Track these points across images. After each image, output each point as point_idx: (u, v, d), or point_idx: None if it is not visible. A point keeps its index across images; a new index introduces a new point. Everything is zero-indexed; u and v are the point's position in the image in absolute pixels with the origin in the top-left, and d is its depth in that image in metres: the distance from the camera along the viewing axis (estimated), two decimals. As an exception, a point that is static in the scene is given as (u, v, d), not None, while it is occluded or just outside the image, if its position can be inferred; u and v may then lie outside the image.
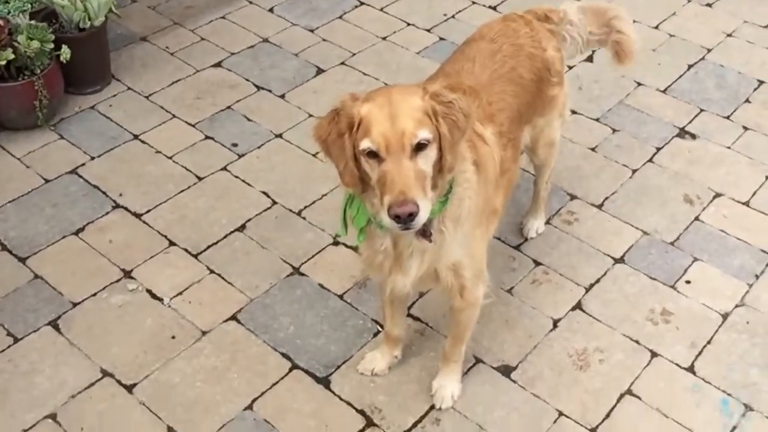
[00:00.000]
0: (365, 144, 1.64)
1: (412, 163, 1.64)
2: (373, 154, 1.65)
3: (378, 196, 1.67)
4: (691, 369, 2.32)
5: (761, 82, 3.41)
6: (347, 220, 1.90)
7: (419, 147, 1.64)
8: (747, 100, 3.32)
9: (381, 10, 3.83)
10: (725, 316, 2.46)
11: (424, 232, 1.80)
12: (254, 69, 3.45)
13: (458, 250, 1.91)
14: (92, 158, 2.98)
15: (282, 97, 3.31)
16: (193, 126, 3.14)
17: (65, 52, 2.96)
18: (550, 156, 2.51)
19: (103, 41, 3.21)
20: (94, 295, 2.49)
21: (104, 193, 2.84)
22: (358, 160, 1.69)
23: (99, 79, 3.25)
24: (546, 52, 2.26)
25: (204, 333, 2.39)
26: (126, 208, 2.78)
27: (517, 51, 2.21)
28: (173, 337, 2.38)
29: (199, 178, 2.91)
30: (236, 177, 2.93)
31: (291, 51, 3.57)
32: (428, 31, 3.71)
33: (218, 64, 3.47)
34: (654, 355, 2.35)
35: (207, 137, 3.10)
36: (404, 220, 1.61)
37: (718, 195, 2.88)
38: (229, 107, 3.25)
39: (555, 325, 2.44)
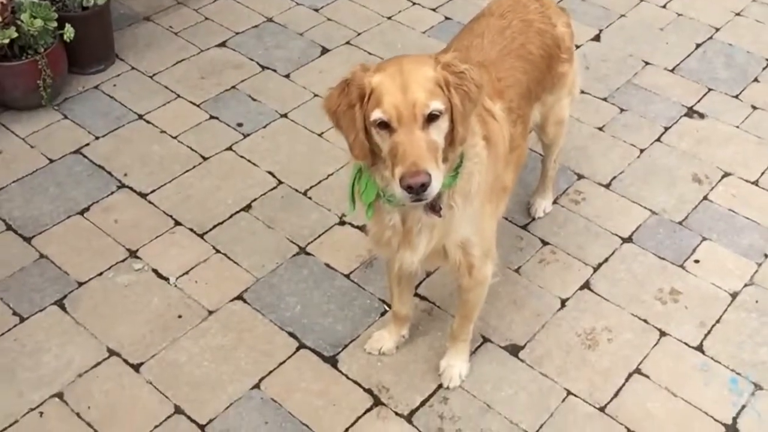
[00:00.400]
0: (376, 114, 1.62)
1: (424, 133, 1.62)
2: (384, 125, 1.63)
3: (389, 167, 1.65)
4: (699, 348, 2.31)
5: (770, 61, 3.38)
6: (355, 196, 1.88)
7: (431, 118, 1.63)
8: (756, 80, 3.29)
9: (386, -11, 3.80)
10: (734, 296, 2.45)
11: (434, 207, 1.78)
12: (259, 49, 3.43)
13: (467, 227, 1.90)
14: (96, 138, 2.96)
15: (287, 77, 3.29)
16: (198, 106, 3.12)
17: (69, 31, 2.94)
18: (559, 134, 2.49)
19: (107, 20, 3.18)
20: (100, 274, 2.48)
21: (109, 173, 2.82)
22: (368, 131, 1.67)
23: (103, 58, 3.23)
24: (556, 28, 2.24)
25: (210, 312, 2.38)
26: (131, 188, 2.77)
27: (526, 27, 2.19)
28: (180, 317, 2.37)
29: (204, 158, 2.90)
30: (241, 157, 2.91)
31: (296, 31, 3.54)
32: (434, 10, 3.68)
33: (223, 44, 3.44)
34: (663, 334, 2.34)
35: (212, 117, 3.08)
36: (416, 190, 1.59)
37: (726, 174, 2.86)
38: (233, 87, 3.22)
39: (563, 305, 2.43)
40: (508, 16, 2.20)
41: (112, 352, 2.27)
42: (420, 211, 1.81)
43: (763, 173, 2.86)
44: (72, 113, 3.06)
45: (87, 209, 2.69)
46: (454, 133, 1.68)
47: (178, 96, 3.16)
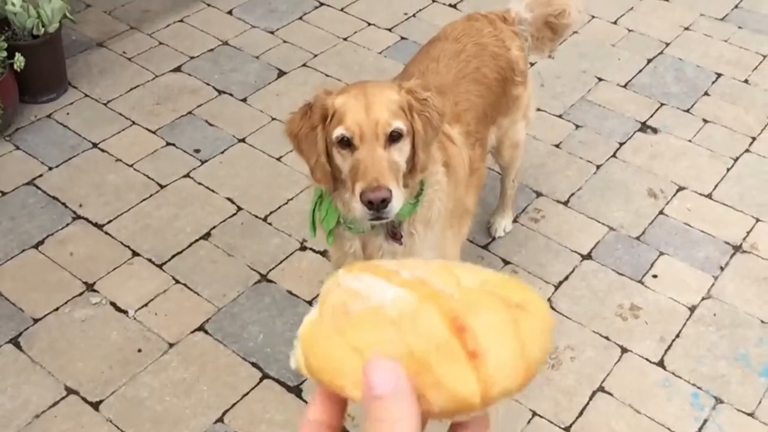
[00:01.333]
0: (338, 132, 1.63)
1: (386, 152, 1.62)
2: (346, 143, 1.64)
3: (349, 188, 1.65)
4: (661, 363, 2.34)
5: (719, 75, 3.45)
6: (316, 222, 1.87)
7: (393, 138, 1.64)
8: (706, 93, 3.36)
9: (341, 10, 3.81)
10: (692, 309, 2.49)
11: (394, 234, 1.78)
12: (215, 73, 3.40)
13: (429, 253, 1.90)
14: (50, 168, 2.90)
15: (244, 100, 3.27)
16: (154, 133, 3.09)
17: (19, 60, 2.89)
18: (515, 157, 2.51)
19: (59, 48, 3.13)
20: (56, 309, 2.43)
21: (64, 204, 2.77)
22: (330, 154, 1.67)
23: (55, 86, 3.17)
24: (510, 52, 2.26)
25: (171, 345, 2.35)
26: (87, 219, 2.72)
27: (481, 50, 2.21)
28: (139, 351, 2.33)
29: (162, 186, 2.86)
30: (200, 184, 2.88)
31: (251, 54, 3.52)
32: (389, 30, 3.70)
33: (178, 69, 3.41)
34: (624, 350, 2.37)
35: (168, 144, 3.04)
36: (377, 206, 1.58)
37: (681, 188, 2.91)
38: (190, 112, 3.19)
39: (525, 324, 2.44)
40: (462, 40, 2.21)
41: (70, 390, 2.22)
42: (381, 239, 1.80)
43: (716, 186, 2.92)
44: (24, 144, 3.00)
45: (41, 242, 2.64)
46: (415, 160, 1.69)
47: (134, 123, 3.13)
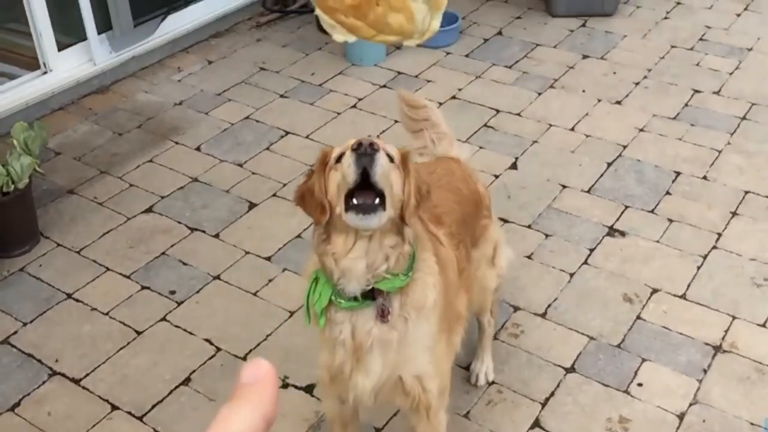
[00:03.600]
0: (336, 152, 1.71)
1: None
2: (341, 159, 1.70)
3: (340, 204, 1.69)
4: (656, 477, 2.31)
5: (678, 173, 3.55)
6: (310, 308, 1.87)
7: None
8: (668, 192, 3.45)
9: (307, 137, 3.90)
10: (681, 417, 2.47)
11: (383, 312, 1.78)
12: (186, 210, 3.44)
13: (424, 354, 1.89)
14: (24, 324, 2.87)
15: (216, 236, 3.30)
16: (128, 277, 3.08)
17: (-11, 219, 2.91)
18: (486, 302, 2.50)
19: (29, 201, 3.16)
20: (36, 475, 2.36)
21: (39, 360, 2.73)
22: (328, 193, 1.74)
23: (27, 239, 3.18)
24: (477, 185, 2.36)
25: (156, 503, 2.28)
26: (64, 375, 2.68)
27: (450, 174, 2.30)
28: None
29: (138, 333, 2.84)
30: (177, 327, 2.86)
31: (221, 188, 3.57)
32: (355, 153, 3.78)
33: (149, 210, 3.44)
34: (618, 466, 2.34)
35: (143, 287, 3.04)
36: (365, 149, 1.62)
37: (655, 291, 2.95)
38: (163, 253, 3.20)
39: (516, 447, 2.41)
40: (432, 167, 2.30)
41: None
42: (371, 323, 1.80)
43: (689, 286, 2.96)
44: (-3, 301, 2.98)
45: (18, 404, 2.58)
46: (403, 210, 1.74)
47: (108, 269, 3.12)
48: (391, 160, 1.72)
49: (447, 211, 2.14)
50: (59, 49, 4.05)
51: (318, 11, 1.05)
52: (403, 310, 1.82)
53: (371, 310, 1.81)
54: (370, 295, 1.80)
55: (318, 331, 1.92)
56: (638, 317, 2.84)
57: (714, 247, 3.14)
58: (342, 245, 1.73)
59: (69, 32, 4.11)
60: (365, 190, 1.68)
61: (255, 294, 2.99)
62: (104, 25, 4.17)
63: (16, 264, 3.14)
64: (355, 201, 1.67)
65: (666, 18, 4.94)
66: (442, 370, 1.98)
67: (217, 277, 3.08)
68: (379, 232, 1.73)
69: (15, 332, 2.85)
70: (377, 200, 1.67)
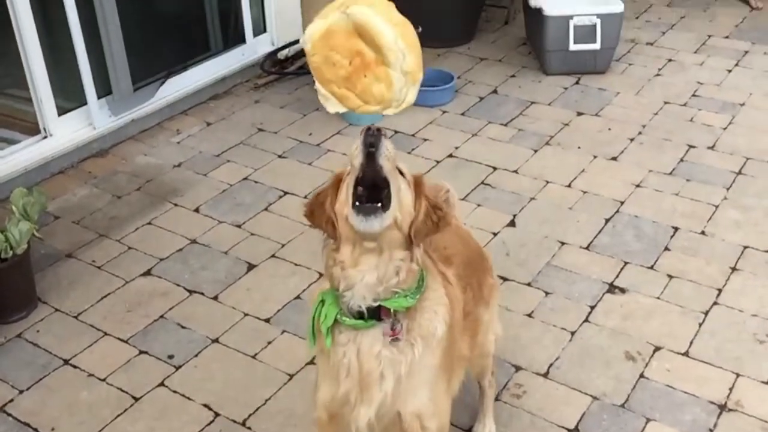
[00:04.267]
0: (348, 169, 1.73)
1: None
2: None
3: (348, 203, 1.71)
4: None
5: (676, 229, 3.56)
6: (315, 329, 1.87)
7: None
8: (666, 248, 3.45)
9: (305, 197, 3.91)
10: (688, 479, 2.43)
11: (393, 329, 1.78)
12: (184, 273, 3.43)
13: (425, 389, 1.86)
14: (21, 392, 2.84)
15: (215, 298, 3.28)
16: (126, 342, 3.06)
17: (-13, 285, 2.89)
18: (486, 367, 2.49)
19: (27, 267, 3.15)
20: None
21: (36, 429, 2.68)
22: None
23: (24, 304, 3.16)
24: (479, 245, 2.38)
25: None
26: (59, 444, 2.64)
27: (457, 229, 2.31)
28: None
29: (136, 399, 2.80)
30: (175, 392, 2.83)
31: (220, 249, 3.57)
32: (354, 213, 3.79)
33: (148, 272, 3.43)
34: None
35: (141, 352, 3.01)
36: (373, 131, 1.64)
37: (657, 348, 2.92)
38: (161, 316, 3.18)
39: None
40: None
41: None
42: (378, 345, 1.79)
43: (691, 343, 2.94)
44: (-6, 368, 2.95)
45: (13, 476, 2.53)
46: (411, 227, 1.74)
47: (105, 334, 3.10)
48: (401, 173, 1.75)
49: (455, 253, 2.15)
50: (59, 114, 4.09)
51: (317, 84, 1.27)
52: (410, 335, 1.80)
53: (376, 331, 1.79)
54: (376, 314, 1.78)
55: (318, 364, 1.92)
56: (641, 375, 2.81)
57: (715, 303, 3.12)
58: (350, 255, 1.73)
59: (69, 97, 4.16)
60: (372, 193, 1.70)
61: (254, 357, 2.96)
62: (104, 89, 4.23)
63: (13, 330, 3.11)
64: (359, 192, 1.69)
65: (658, 75, 5.02)
66: (441, 409, 1.94)
67: (216, 340, 3.06)
68: (387, 245, 1.72)
69: (11, 400, 2.81)
70: (380, 204, 1.68)
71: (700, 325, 3.02)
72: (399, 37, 1.19)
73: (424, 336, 1.82)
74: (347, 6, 1.21)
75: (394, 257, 1.74)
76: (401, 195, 1.73)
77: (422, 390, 1.87)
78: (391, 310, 1.77)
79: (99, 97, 4.20)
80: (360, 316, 1.78)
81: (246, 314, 3.17)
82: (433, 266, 1.92)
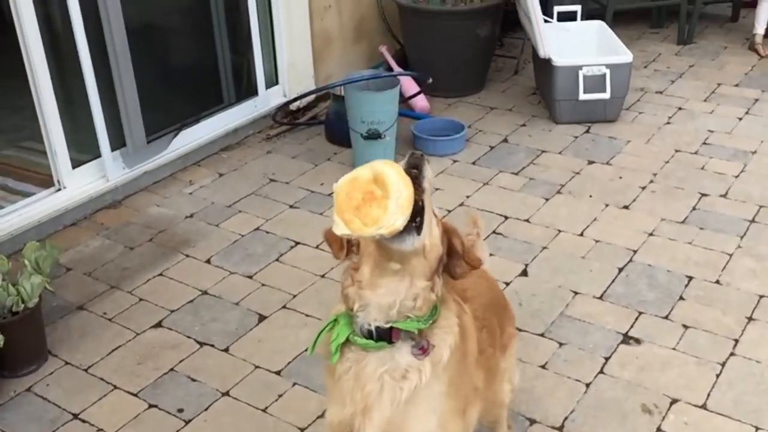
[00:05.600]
0: None
1: None
2: None
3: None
4: None
5: (690, 278, 3.53)
6: (318, 342, 1.86)
7: None
8: (681, 298, 3.41)
9: (316, 247, 3.91)
10: None
11: (422, 348, 1.79)
12: (195, 324, 3.41)
13: (432, 418, 1.82)
14: (29, 447, 2.82)
15: (226, 350, 3.26)
16: (136, 395, 3.03)
17: (-1, 339, 2.89)
18: (501, 416, 2.47)
19: (38, 320, 3.15)
20: None
21: (43, 486, 2.66)
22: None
23: (35, 358, 3.15)
24: (503, 294, 2.43)
25: None
26: (67, 501, 2.60)
27: (483, 272, 2.32)
28: None
29: (145, 454, 2.77)
30: (184, 447, 2.80)
31: (231, 300, 3.56)
32: (365, 263, 3.78)
33: (158, 324, 3.42)
34: None
35: (151, 406, 2.98)
36: (418, 156, 1.69)
37: (674, 401, 2.87)
38: (172, 369, 3.16)
39: None
40: None
41: None
42: (381, 368, 1.78)
43: (708, 395, 2.88)
44: (2, 423, 2.92)
45: None
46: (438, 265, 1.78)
47: (115, 387, 3.08)
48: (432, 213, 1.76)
49: (476, 295, 2.15)
50: (73, 167, 4.13)
51: (334, 213, 1.59)
52: (419, 363, 1.79)
53: (383, 354, 1.78)
54: (386, 336, 1.76)
55: (326, 387, 1.92)
56: (659, 429, 2.75)
57: (732, 354, 3.07)
58: (369, 275, 1.71)
59: (83, 149, 4.21)
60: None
61: (264, 410, 2.93)
62: (118, 141, 4.28)
63: (23, 384, 3.10)
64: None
65: (668, 123, 5.04)
66: None
67: (226, 393, 3.03)
68: (411, 271, 1.71)
69: (19, 456, 2.78)
70: (415, 224, 1.66)
71: (718, 376, 2.97)
72: (402, 182, 1.57)
73: (433, 362, 1.81)
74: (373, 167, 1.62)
75: (416, 284, 1.73)
76: (432, 225, 1.73)
77: (429, 417, 1.83)
78: (416, 331, 1.77)
79: (113, 150, 4.25)
80: (370, 335, 1.76)
81: (257, 366, 3.14)
82: (449, 295, 1.91)
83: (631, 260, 3.69)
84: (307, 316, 3.44)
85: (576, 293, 3.49)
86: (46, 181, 4.11)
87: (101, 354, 3.25)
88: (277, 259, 3.84)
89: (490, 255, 3.73)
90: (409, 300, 1.73)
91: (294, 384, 3.05)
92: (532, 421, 2.82)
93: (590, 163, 4.59)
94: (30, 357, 3.13)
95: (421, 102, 5.26)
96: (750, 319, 3.27)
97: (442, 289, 1.82)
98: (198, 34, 5.00)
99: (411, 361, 1.79)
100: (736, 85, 5.56)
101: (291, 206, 4.28)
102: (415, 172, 1.65)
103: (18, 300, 2.98)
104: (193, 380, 3.10)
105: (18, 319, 3.01)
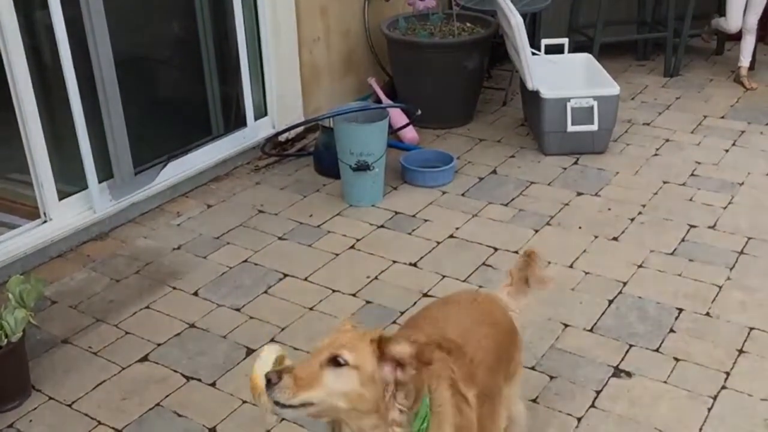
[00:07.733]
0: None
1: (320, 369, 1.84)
2: None
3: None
4: None
5: (681, 310, 3.52)
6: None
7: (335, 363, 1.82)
8: (671, 330, 3.40)
9: (305, 279, 3.88)
10: None
11: None
12: (182, 358, 3.36)
13: None
14: (10, 486, 2.75)
15: (213, 385, 3.21)
16: (121, 431, 2.98)
17: (-20, 378, 2.83)
18: None
19: (22, 355, 3.10)
20: None
21: None
22: None
23: (18, 393, 3.09)
24: (513, 315, 2.44)
25: None
26: None
27: (491, 302, 2.42)
28: None
29: (129, 492, 2.71)
30: (169, 486, 2.74)
31: (218, 333, 3.52)
32: (353, 295, 3.75)
33: (144, 358, 3.37)
34: None
35: (135, 442, 2.93)
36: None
37: (667, 435, 2.85)
38: (158, 404, 3.11)
39: None
40: (472, 297, 2.45)
41: None
42: None
43: (701, 429, 2.86)
44: (-17, 461, 2.87)
45: None
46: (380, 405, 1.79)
47: (99, 423, 3.02)
48: (344, 363, 1.80)
49: (482, 359, 2.14)
50: (60, 198, 4.10)
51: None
52: None
53: None
54: None
55: None
56: (651, 465, 2.72)
57: (723, 387, 3.06)
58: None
59: (70, 181, 4.18)
60: None
61: (251, 447, 2.88)
62: (105, 173, 4.25)
63: (4, 420, 3.03)
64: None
65: (656, 155, 5.07)
66: None
67: (213, 429, 2.98)
68: (352, 418, 1.81)
69: (-1, 495, 2.72)
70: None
71: (709, 410, 2.94)
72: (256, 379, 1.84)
73: None
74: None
75: (364, 423, 1.80)
76: (321, 384, 1.81)
77: None
78: None
79: (100, 181, 4.22)
80: None
81: (244, 401, 3.09)
82: (450, 400, 1.92)
83: (620, 292, 3.68)
84: (295, 349, 3.39)
85: (566, 325, 3.47)
86: (32, 213, 4.07)
87: (86, 389, 3.20)
88: (265, 291, 3.81)
89: (480, 287, 3.74)
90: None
91: (281, 420, 3.00)
92: (524, 457, 2.79)
93: (579, 194, 4.60)
94: (13, 393, 3.07)
95: (409, 133, 5.27)
96: (741, 351, 3.25)
97: (437, 395, 1.87)
98: (187, 66, 5.01)
99: None
100: (723, 117, 5.61)
101: (280, 238, 4.25)
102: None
103: (1, 335, 2.93)
104: (180, 415, 3.05)
105: (1, 354, 2.96)
